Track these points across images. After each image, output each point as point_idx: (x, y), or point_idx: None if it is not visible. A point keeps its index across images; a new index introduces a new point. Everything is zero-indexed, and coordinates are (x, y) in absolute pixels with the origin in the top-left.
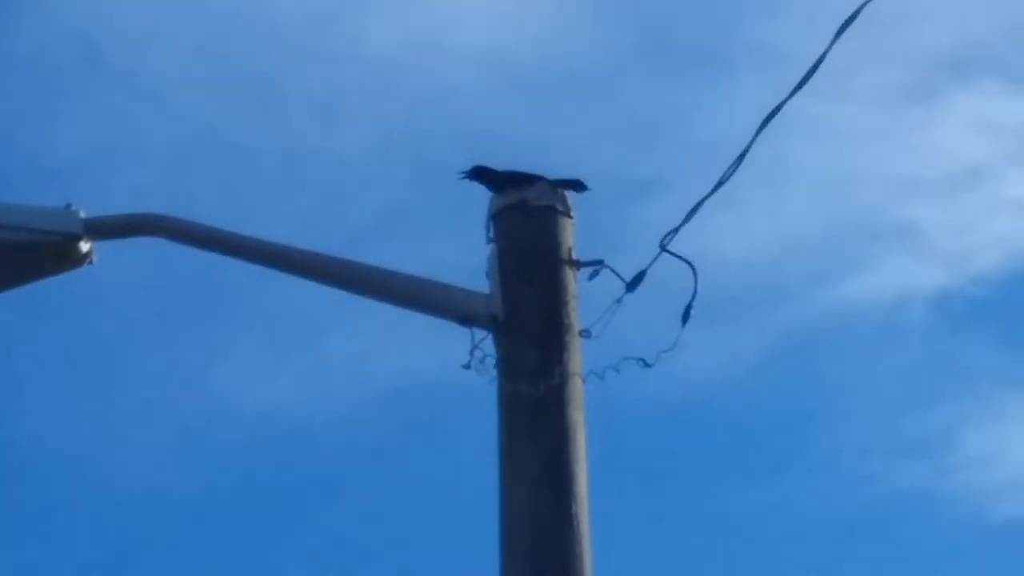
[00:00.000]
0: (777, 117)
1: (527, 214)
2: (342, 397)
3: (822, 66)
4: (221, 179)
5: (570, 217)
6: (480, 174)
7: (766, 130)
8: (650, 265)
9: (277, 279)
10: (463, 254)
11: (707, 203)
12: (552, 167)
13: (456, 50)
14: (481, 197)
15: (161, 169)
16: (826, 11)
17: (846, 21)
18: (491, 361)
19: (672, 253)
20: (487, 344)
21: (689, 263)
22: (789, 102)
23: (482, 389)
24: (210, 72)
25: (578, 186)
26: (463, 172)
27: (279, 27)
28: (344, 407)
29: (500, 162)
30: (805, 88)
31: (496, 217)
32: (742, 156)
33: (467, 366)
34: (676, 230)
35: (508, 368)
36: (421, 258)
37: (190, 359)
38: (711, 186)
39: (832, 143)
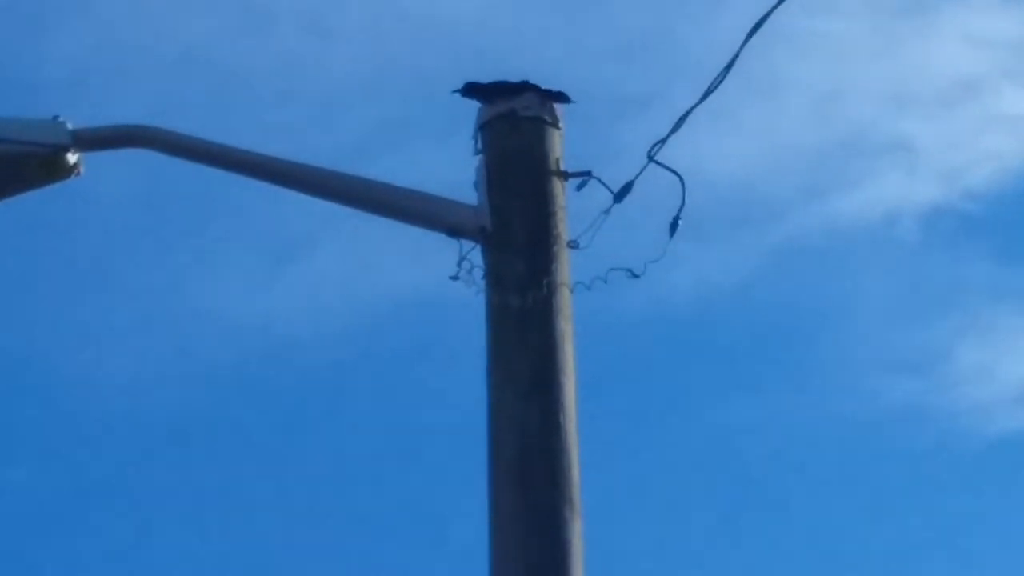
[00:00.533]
0: (769, 31)
1: (515, 124)
2: (334, 310)
3: None
4: (211, 95)
5: (558, 128)
6: (471, 89)
7: (758, 43)
8: (638, 175)
9: (267, 192)
10: (456, 168)
11: (698, 117)
12: (542, 81)
13: None
14: (474, 113)
15: (151, 86)
16: None
17: None
18: (479, 272)
19: (660, 164)
20: (475, 255)
21: (677, 174)
22: (780, 15)
23: (472, 301)
24: None
25: (563, 98)
26: (455, 89)
27: None
28: (336, 320)
29: (490, 77)
30: (799, 1)
31: (484, 128)
32: (729, 66)
33: (455, 277)
34: (664, 140)
35: (496, 279)
36: (414, 172)
37: (179, 272)
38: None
39: (824, 57)
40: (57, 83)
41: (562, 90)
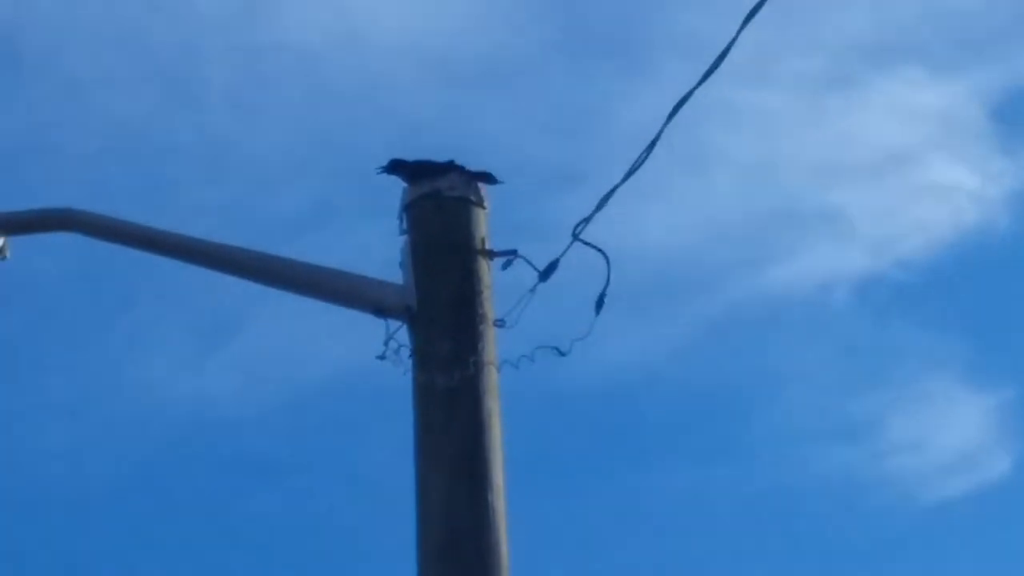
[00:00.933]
0: (700, 104)
1: (440, 204)
2: (263, 389)
3: (744, 53)
4: (140, 174)
5: (483, 208)
6: (396, 167)
7: (689, 117)
8: (563, 254)
9: (194, 272)
10: (386, 246)
11: (628, 193)
12: (474, 157)
13: (376, 41)
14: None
15: (79, 165)
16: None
17: (753, 9)
18: (406, 352)
19: (584, 242)
20: (402, 334)
21: (601, 251)
22: (712, 90)
23: (400, 380)
24: (128, 66)
25: (489, 178)
26: (380, 167)
27: (198, 20)
28: (266, 399)
29: (421, 153)
30: (728, 75)
31: (409, 208)
32: (653, 143)
33: (382, 357)
34: (588, 219)
35: (422, 358)
36: (343, 249)
37: (109, 353)
38: (634, 175)
39: (755, 129)
40: None
41: (488, 170)
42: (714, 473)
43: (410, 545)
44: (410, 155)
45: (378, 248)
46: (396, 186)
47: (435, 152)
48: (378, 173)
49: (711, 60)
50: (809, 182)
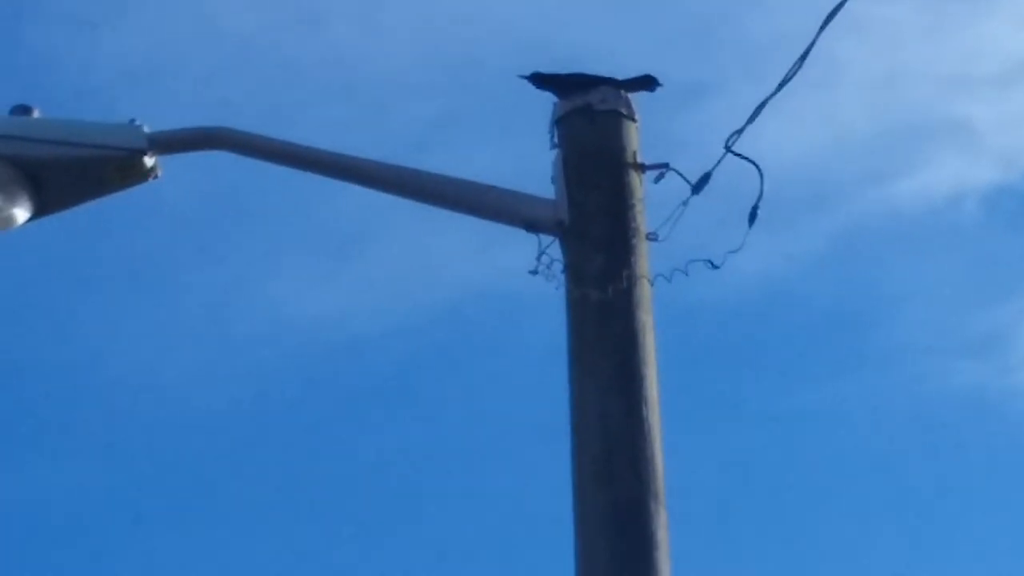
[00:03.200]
0: (822, 16)
1: (591, 118)
2: (401, 306)
3: None
4: (266, 92)
5: (634, 120)
6: (543, 79)
7: (813, 29)
8: (715, 167)
9: (325, 189)
10: (514, 161)
11: (753, 104)
12: (601, 71)
13: None
14: (531, 103)
15: (205, 84)
16: None
17: None
18: (558, 266)
19: (737, 154)
20: (553, 249)
21: (755, 163)
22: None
23: (546, 294)
24: None
25: (650, 83)
26: (525, 76)
27: None
28: (404, 316)
29: (544, 68)
30: None
31: (560, 122)
32: (804, 55)
33: (534, 272)
34: (740, 131)
35: (575, 273)
36: (473, 165)
37: (244, 271)
38: (765, 87)
39: (881, 42)
40: (110, 82)
41: (647, 74)
42: (844, 389)
43: (566, 460)
44: (534, 69)
45: (506, 162)
46: (524, 100)
47: (560, 66)
48: (523, 81)
49: None
50: (935, 94)
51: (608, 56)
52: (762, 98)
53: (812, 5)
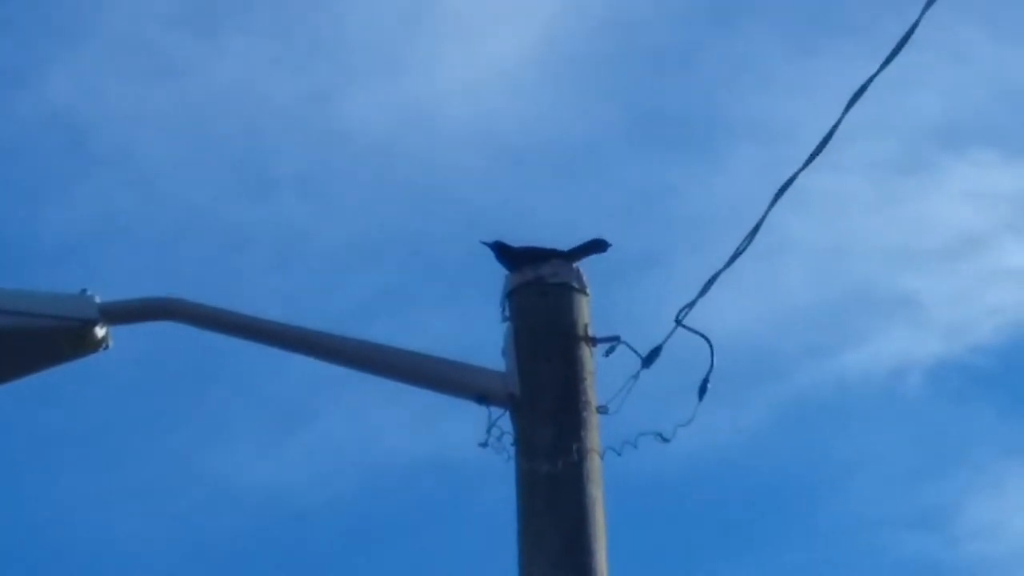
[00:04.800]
0: (770, 188)
1: (542, 291)
2: (347, 476)
3: (815, 137)
4: (211, 260)
5: (586, 294)
6: (501, 250)
7: (761, 201)
8: (666, 340)
9: (275, 358)
10: (461, 328)
11: (701, 277)
12: (543, 243)
13: (445, 126)
14: (477, 272)
15: (152, 252)
16: (810, 84)
17: (856, 93)
18: (508, 439)
19: (689, 328)
20: (504, 421)
21: (705, 337)
22: (783, 174)
23: (494, 464)
24: (199, 154)
25: (600, 246)
26: (487, 243)
27: (267, 108)
28: (350, 486)
29: (493, 237)
30: (798, 160)
31: (511, 295)
32: (755, 230)
33: (484, 444)
34: (691, 305)
35: (526, 446)
36: (415, 337)
37: (190, 441)
38: (709, 258)
39: (826, 214)
40: (57, 252)
41: (596, 238)
42: (789, 560)
43: None
44: (481, 238)
45: (447, 335)
46: (468, 270)
47: (506, 236)
48: (482, 245)
49: (776, 145)
50: (881, 266)
51: (555, 227)
52: (707, 269)
53: (754, 178)
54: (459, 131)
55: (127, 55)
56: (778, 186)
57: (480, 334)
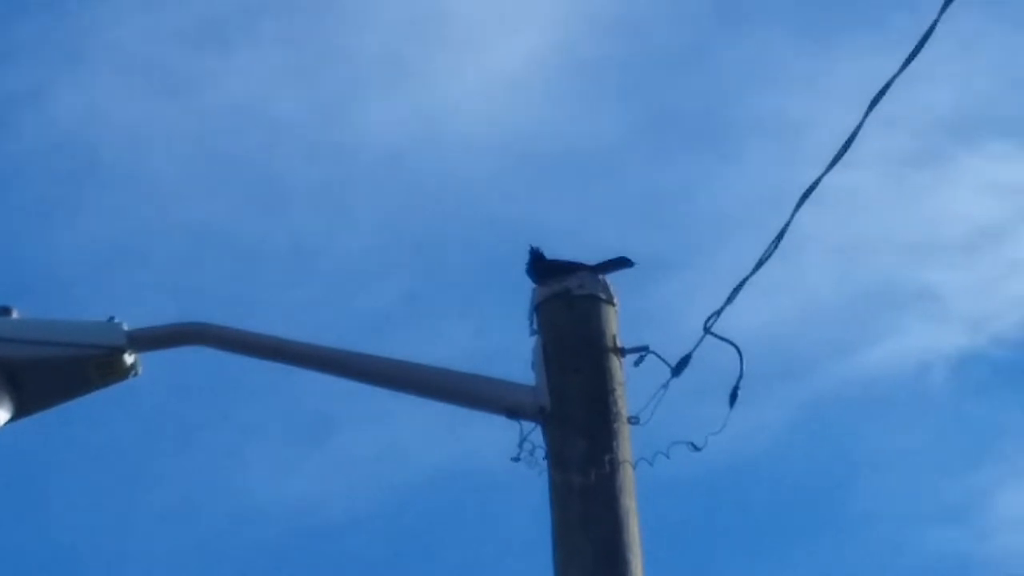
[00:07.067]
0: (785, 186)
1: (570, 303)
2: (374, 490)
3: (827, 134)
4: (228, 277)
5: (613, 304)
6: (534, 258)
7: (776, 202)
8: (695, 349)
9: (296, 374)
10: (478, 336)
11: (724, 280)
12: (559, 248)
13: (456, 135)
14: (493, 281)
15: (167, 271)
16: (823, 80)
17: (878, 93)
18: (540, 453)
19: (717, 336)
20: (535, 435)
21: (735, 345)
22: (798, 173)
23: (519, 475)
24: (211, 170)
25: (625, 263)
26: (533, 248)
27: (279, 122)
28: (377, 500)
29: (506, 246)
30: (812, 158)
31: (539, 308)
32: (781, 234)
33: (516, 459)
34: (719, 312)
35: (558, 459)
36: (438, 342)
37: (215, 459)
38: (726, 260)
39: (843, 211)
40: (72, 274)
41: (620, 256)
42: (818, 557)
43: None
44: (496, 247)
45: (468, 342)
46: (483, 278)
47: (522, 242)
48: (507, 257)
49: (797, 142)
50: (900, 261)
51: (571, 233)
52: (727, 270)
53: (769, 176)
54: (472, 138)
55: (135, 73)
56: (794, 184)
57: (498, 340)
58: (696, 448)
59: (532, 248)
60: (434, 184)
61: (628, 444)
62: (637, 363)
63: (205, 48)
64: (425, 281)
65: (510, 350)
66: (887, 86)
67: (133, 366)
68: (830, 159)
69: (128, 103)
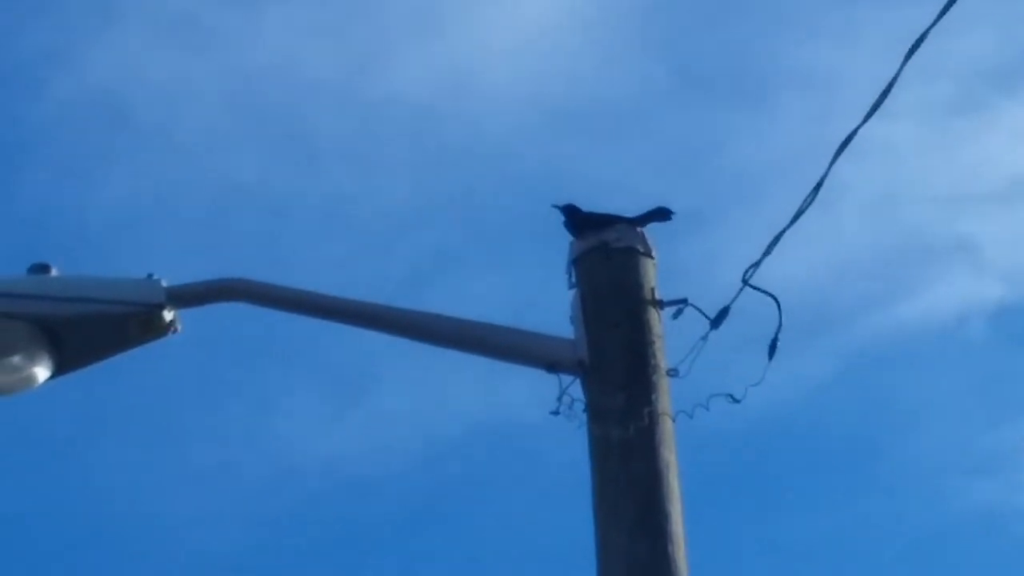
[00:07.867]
0: (821, 138)
1: (608, 256)
2: (411, 444)
3: (862, 86)
4: (261, 233)
5: (651, 257)
6: (568, 213)
7: (813, 152)
8: (733, 300)
9: (332, 330)
10: (512, 290)
11: (760, 231)
12: (593, 201)
13: (488, 89)
14: (526, 234)
15: (200, 227)
16: (855, 31)
17: (915, 43)
18: (579, 406)
19: (756, 288)
20: (574, 389)
21: (773, 296)
22: (829, 122)
23: (547, 429)
24: (242, 126)
25: (664, 214)
26: (557, 205)
27: (309, 78)
28: (414, 454)
29: (536, 200)
30: (851, 108)
31: (577, 261)
32: (819, 186)
33: (556, 412)
34: (757, 264)
35: (597, 412)
36: (473, 296)
37: (252, 415)
38: (759, 213)
39: (881, 161)
40: (105, 230)
41: (659, 207)
42: (855, 509)
43: None
44: (526, 201)
45: (501, 297)
46: (517, 232)
47: (554, 200)
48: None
49: (829, 93)
50: (938, 213)
51: (604, 185)
52: (761, 222)
53: (802, 128)
54: (503, 92)
55: (166, 30)
56: (829, 136)
57: (532, 293)
58: (735, 400)
59: (567, 205)
60: (466, 138)
61: (667, 397)
62: (676, 316)
63: (236, 4)
64: (459, 235)
65: (546, 302)
66: (924, 35)
67: (172, 323)
68: (866, 110)
69: (160, 60)
